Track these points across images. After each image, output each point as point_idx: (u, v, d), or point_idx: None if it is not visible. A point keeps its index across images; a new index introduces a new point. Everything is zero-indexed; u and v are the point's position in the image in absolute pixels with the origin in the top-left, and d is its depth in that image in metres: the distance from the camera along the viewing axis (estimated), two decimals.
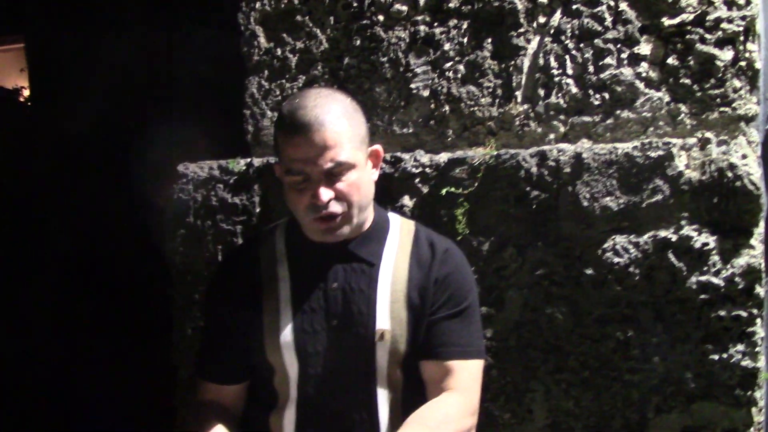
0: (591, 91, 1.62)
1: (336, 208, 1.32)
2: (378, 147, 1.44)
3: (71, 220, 3.51)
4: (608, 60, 1.60)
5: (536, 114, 1.68)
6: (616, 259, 1.52)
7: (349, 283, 1.39)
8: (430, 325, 1.38)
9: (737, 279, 1.43)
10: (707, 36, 1.53)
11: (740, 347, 1.44)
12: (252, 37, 1.97)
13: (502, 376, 1.64)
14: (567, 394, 1.58)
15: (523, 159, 1.61)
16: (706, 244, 1.46)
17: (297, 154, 1.30)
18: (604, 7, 1.61)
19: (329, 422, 1.37)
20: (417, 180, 1.71)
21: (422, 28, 1.78)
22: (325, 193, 1.30)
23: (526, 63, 1.69)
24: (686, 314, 1.48)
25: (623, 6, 1.60)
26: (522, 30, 1.68)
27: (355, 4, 1.84)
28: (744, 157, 1.44)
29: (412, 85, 1.79)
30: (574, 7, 1.64)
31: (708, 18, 1.53)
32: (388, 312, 1.37)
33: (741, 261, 1.43)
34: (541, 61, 1.67)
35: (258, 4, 1.95)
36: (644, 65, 1.58)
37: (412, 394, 1.40)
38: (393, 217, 1.50)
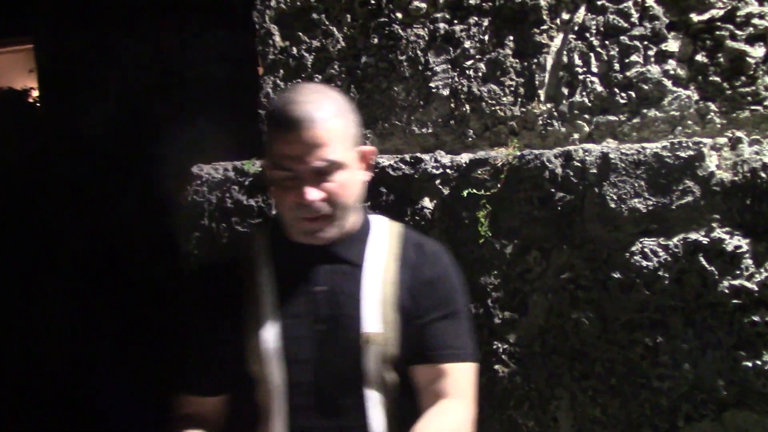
0: (617, 90, 1.57)
1: (322, 208, 1.29)
2: (371, 147, 1.40)
3: (79, 222, 3.50)
4: (634, 57, 1.56)
5: (560, 113, 1.63)
6: (645, 263, 1.48)
7: (335, 286, 1.34)
8: (421, 328, 1.35)
9: None
10: (738, 32, 1.48)
11: None
12: (267, 35, 1.93)
13: (526, 382, 1.60)
14: (593, 401, 1.54)
15: (548, 159, 1.56)
16: (739, 247, 1.41)
17: (286, 150, 1.27)
18: (630, 3, 1.57)
19: None
20: (437, 181, 1.67)
21: (442, 25, 1.74)
22: (312, 192, 1.27)
23: (550, 61, 1.65)
24: (718, 320, 1.43)
25: (650, 2, 1.55)
26: (545, 27, 1.64)
27: (372, 2, 1.80)
28: None
29: (432, 84, 1.75)
30: (599, 3, 1.59)
31: (738, 14, 1.48)
32: (377, 314, 1.33)
33: None
34: (565, 59, 1.62)
35: (273, 2, 1.91)
36: (672, 62, 1.53)
37: (408, 398, 1.36)
38: (380, 219, 1.46)
